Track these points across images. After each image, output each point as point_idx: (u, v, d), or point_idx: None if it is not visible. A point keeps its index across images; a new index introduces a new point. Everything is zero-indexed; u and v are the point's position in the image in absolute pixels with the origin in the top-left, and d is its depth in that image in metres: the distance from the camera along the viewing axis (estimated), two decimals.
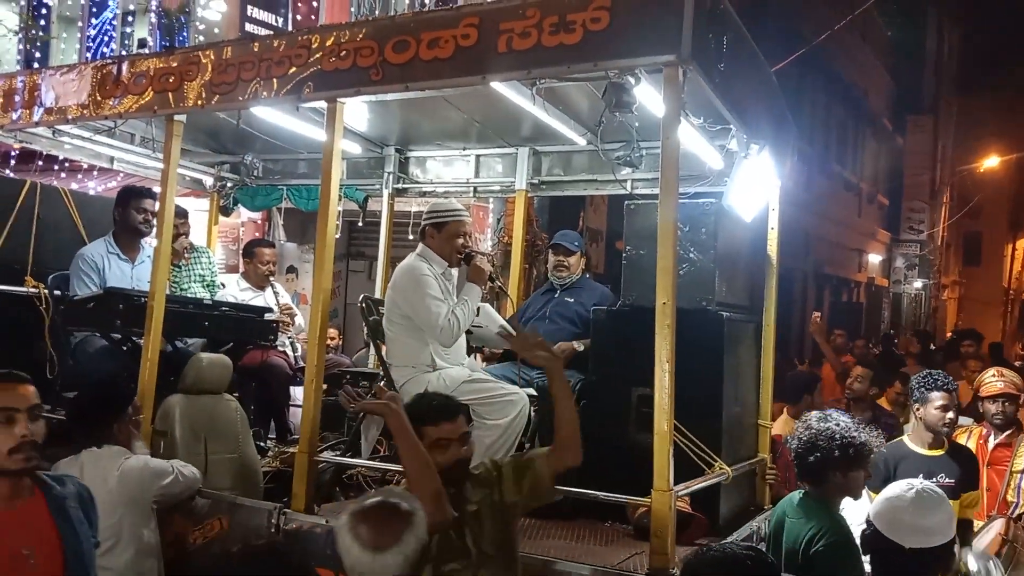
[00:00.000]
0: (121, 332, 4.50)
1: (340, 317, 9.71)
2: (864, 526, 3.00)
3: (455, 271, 4.27)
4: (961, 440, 4.76)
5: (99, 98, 4.47)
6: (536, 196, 6.69)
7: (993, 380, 4.75)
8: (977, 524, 4.39)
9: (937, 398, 4.15)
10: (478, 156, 5.81)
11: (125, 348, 4.63)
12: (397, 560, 2.14)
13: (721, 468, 3.59)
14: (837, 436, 3.30)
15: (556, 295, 4.77)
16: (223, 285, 5.84)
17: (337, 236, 5.00)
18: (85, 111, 4.53)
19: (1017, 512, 4.53)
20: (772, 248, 4.71)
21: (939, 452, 4.23)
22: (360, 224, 6.74)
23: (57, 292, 4.85)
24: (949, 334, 12.60)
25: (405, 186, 5.97)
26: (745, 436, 4.37)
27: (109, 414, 3.68)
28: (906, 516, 2.64)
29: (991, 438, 4.72)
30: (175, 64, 4.22)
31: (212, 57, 4.11)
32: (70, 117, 4.60)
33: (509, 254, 6.70)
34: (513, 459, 3.07)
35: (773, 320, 4.66)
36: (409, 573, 2.18)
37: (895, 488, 2.74)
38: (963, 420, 5.10)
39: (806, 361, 11.46)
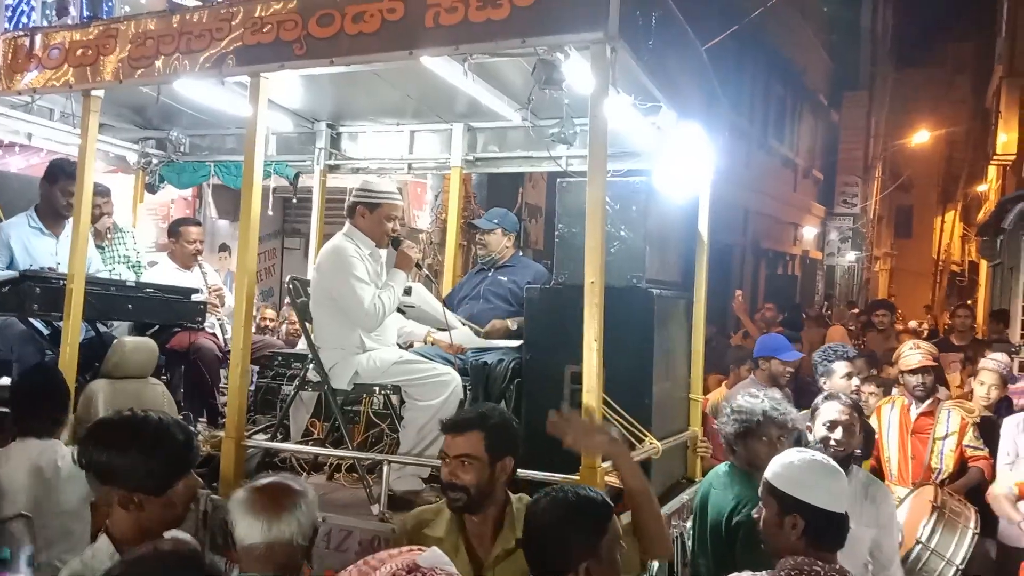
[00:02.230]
0: (39, 316, 4.34)
1: (275, 296, 9.55)
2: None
3: (383, 252, 4.21)
4: (885, 410, 4.93)
5: (11, 72, 4.29)
6: (472, 173, 6.64)
7: (912, 353, 4.90)
8: (903, 491, 4.54)
9: (841, 367, 4.29)
10: (412, 132, 5.73)
11: (47, 333, 4.49)
12: (292, 527, 2.25)
13: (651, 442, 3.63)
14: (760, 410, 3.40)
15: (490, 274, 4.75)
16: (151, 264, 5.68)
17: (270, 213, 4.91)
18: None
19: (941, 478, 4.69)
20: (703, 224, 4.76)
21: None
22: (295, 201, 6.62)
23: None
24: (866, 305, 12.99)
25: (337, 162, 5.87)
26: (676, 410, 4.44)
27: (53, 405, 3.52)
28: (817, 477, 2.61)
29: (913, 407, 4.87)
30: (91, 37, 4.07)
31: (131, 30, 3.97)
32: None
33: (446, 231, 6.65)
34: None
35: (704, 296, 4.73)
36: (302, 544, 2.29)
37: (795, 453, 2.73)
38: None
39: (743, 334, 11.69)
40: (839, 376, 4.34)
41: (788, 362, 5.30)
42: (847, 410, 3.55)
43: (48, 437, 3.43)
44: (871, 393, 5.31)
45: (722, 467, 3.58)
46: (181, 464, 2.33)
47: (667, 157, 4.27)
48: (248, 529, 2.25)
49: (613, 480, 3.45)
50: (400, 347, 4.37)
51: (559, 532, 2.28)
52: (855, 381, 4.38)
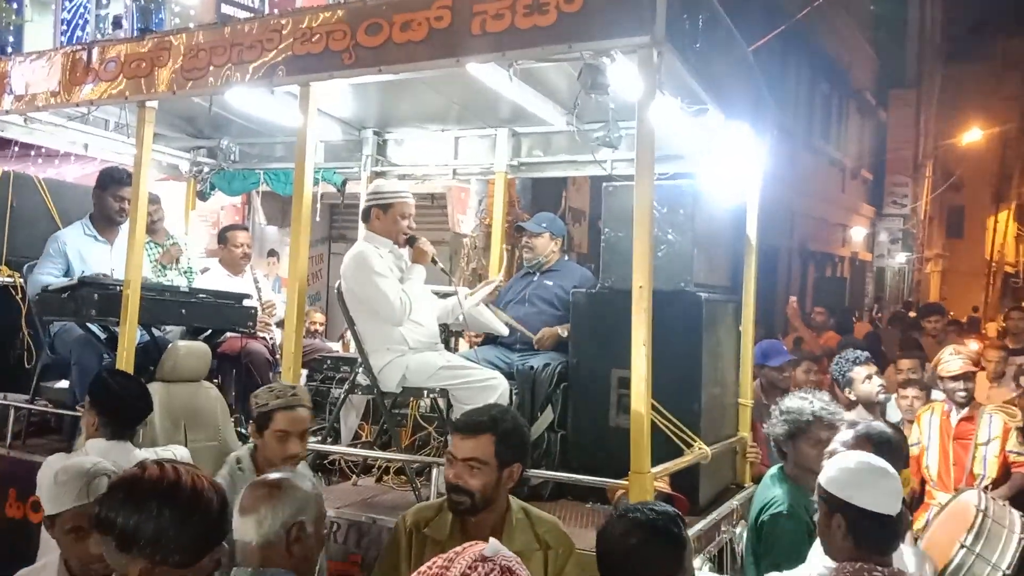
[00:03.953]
0: (96, 321, 4.46)
1: (323, 300, 9.68)
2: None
3: (405, 251, 4.25)
4: (925, 417, 4.84)
5: (69, 85, 4.41)
6: (516, 177, 6.66)
7: (952, 359, 4.80)
8: (945, 496, 4.45)
9: (860, 373, 4.25)
10: (457, 137, 5.76)
11: (103, 337, 4.60)
12: (249, 525, 2.17)
13: (700, 448, 3.61)
14: (810, 411, 3.40)
15: (535, 278, 4.76)
16: (204, 270, 5.79)
17: (317, 219, 4.98)
18: (55, 98, 4.46)
19: (984, 484, 4.60)
20: (751, 227, 4.71)
21: None
22: (342, 207, 6.70)
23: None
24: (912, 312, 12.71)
25: (384, 168, 5.91)
26: (725, 415, 4.40)
27: (145, 404, 3.55)
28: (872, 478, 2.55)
29: (954, 413, 4.78)
30: (146, 49, 4.16)
31: (183, 42, 4.05)
32: (40, 104, 4.53)
33: (491, 235, 6.68)
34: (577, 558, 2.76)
35: (753, 299, 4.68)
36: (264, 542, 2.17)
37: (851, 456, 2.66)
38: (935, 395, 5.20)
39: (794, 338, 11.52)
40: (860, 383, 4.28)
41: (778, 367, 5.19)
42: (839, 437, 3.05)
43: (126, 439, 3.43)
44: (914, 397, 5.19)
45: (772, 470, 3.59)
46: (216, 533, 2.03)
47: (714, 159, 4.24)
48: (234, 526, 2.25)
49: (661, 485, 3.45)
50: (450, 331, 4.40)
51: (645, 554, 2.17)
52: (878, 381, 4.32)
